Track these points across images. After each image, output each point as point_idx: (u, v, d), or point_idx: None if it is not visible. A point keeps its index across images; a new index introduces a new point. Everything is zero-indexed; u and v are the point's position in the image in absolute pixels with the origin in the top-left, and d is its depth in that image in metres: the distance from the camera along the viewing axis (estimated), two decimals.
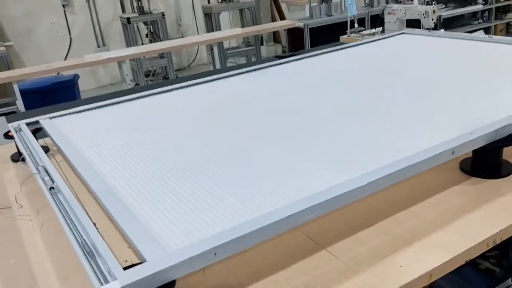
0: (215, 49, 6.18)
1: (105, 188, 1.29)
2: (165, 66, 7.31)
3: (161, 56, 6.99)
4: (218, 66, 6.14)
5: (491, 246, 1.19)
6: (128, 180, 1.36)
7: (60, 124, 1.91)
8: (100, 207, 1.33)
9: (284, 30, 6.54)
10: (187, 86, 2.31)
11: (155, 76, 7.82)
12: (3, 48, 5.95)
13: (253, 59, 7.24)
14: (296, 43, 6.46)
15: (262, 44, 8.12)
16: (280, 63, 2.62)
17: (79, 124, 1.93)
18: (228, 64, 6.88)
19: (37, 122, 1.96)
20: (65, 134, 1.78)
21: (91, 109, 2.08)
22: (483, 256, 1.41)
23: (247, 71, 2.49)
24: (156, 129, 1.78)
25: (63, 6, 7.34)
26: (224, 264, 1.11)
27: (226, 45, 7.34)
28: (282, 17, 8.67)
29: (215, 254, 0.96)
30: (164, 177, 1.36)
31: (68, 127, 1.88)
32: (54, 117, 1.99)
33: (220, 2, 7.48)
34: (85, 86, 6.74)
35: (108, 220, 1.33)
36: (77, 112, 2.04)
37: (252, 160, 1.43)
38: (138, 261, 0.99)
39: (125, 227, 1.08)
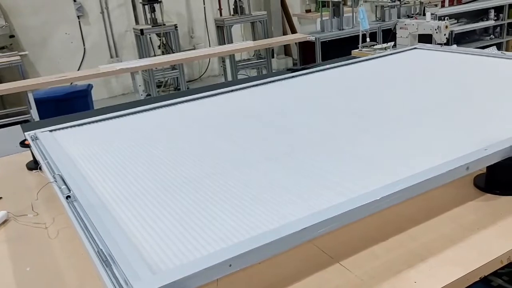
0: (227, 61, 6.24)
1: (98, 205, 1.25)
2: (177, 77, 7.37)
3: (173, 67, 7.06)
4: (229, 78, 6.19)
5: (505, 263, 1.18)
6: (122, 195, 1.32)
7: (62, 137, 1.87)
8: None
9: (296, 43, 6.58)
10: (197, 99, 2.30)
11: (167, 87, 7.88)
12: (18, 58, 6.03)
13: (264, 72, 7.28)
14: (307, 56, 6.49)
15: (273, 57, 8.16)
16: (293, 76, 2.63)
17: (80, 137, 1.88)
18: (239, 76, 6.92)
19: (52, 131, 1.98)
20: (63, 147, 1.74)
21: (99, 120, 2.06)
22: (495, 273, 1.40)
23: (259, 84, 2.50)
24: (157, 143, 1.74)
25: (78, 17, 7.45)
26: (238, 276, 1.12)
27: (237, 57, 7.39)
28: (293, 31, 8.73)
29: (230, 265, 0.96)
30: (160, 193, 1.32)
31: (69, 139, 1.84)
32: (54, 130, 1.95)
33: (232, 15, 7.55)
34: (97, 96, 6.80)
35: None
36: (83, 124, 2.02)
37: (258, 176, 1.40)
38: None
39: (110, 246, 1.03)
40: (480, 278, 1.12)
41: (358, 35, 4.22)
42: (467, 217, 1.32)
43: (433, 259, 1.15)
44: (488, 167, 1.43)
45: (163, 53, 7.37)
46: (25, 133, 1.95)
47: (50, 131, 1.93)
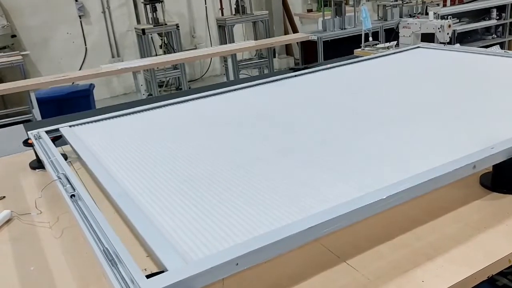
0: (229, 61, 6.22)
1: (125, 197, 1.31)
2: (178, 77, 7.37)
3: (175, 67, 7.05)
4: (231, 77, 6.18)
5: None
6: (146, 188, 1.37)
7: (79, 133, 1.94)
8: (118, 215, 1.34)
9: (297, 43, 6.57)
10: (201, 98, 2.33)
11: (168, 87, 7.88)
12: (20, 57, 6.03)
13: (266, 71, 7.27)
14: (309, 56, 6.48)
15: (274, 57, 8.15)
16: (296, 76, 2.62)
17: (97, 132, 1.95)
18: (241, 76, 6.90)
19: (56, 130, 1.98)
20: (84, 142, 1.81)
21: (108, 118, 2.11)
22: (500, 272, 1.39)
23: (263, 83, 2.50)
24: (171, 139, 1.79)
25: (80, 17, 7.45)
26: (244, 275, 1.11)
27: (239, 57, 7.38)
28: (295, 30, 8.72)
29: (237, 264, 0.95)
30: (182, 186, 1.37)
31: (87, 135, 1.91)
32: (73, 125, 2.02)
33: (234, 15, 7.54)
34: (99, 96, 6.80)
35: (125, 229, 1.34)
36: (95, 121, 2.07)
37: (266, 171, 1.43)
38: (157, 270, 1.00)
39: (145, 236, 1.08)
40: (488, 277, 1.11)
41: (360, 34, 4.21)
42: (474, 216, 1.31)
43: (440, 258, 1.14)
44: (494, 166, 1.42)
45: (164, 53, 7.37)
46: (28, 132, 1.95)
47: (70, 126, 2.00)
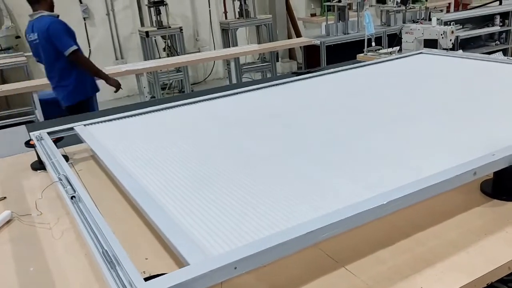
0: (232, 64, 6.24)
1: (143, 194, 1.34)
2: (181, 80, 7.39)
3: (178, 69, 7.07)
4: (234, 81, 6.19)
5: None
6: (163, 186, 1.41)
7: (94, 132, 1.98)
8: (135, 210, 1.35)
9: (300, 47, 6.58)
10: (208, 99, 2.35)
11: (171, 90, 7.90)
12: (24, 58, 6.05)
13: (269, 75, 7.28)
14: (312, 60, 6.49)
15: (277, 61, 8.16)
16: (298, 79, 2.63)
17: (111, 132, 1.99)
18: (244, 79, 6.91)
19: (57, 131, 1.99)
20: (100, 141, 1.85)
21: (119, 118, 2.14)
22: (501, 279, 1.39)
23: (265, 86, 2.51)
24: (182, 139, 1.82)
25: (84, 19, 7.48)
26: (242, 278, 1.11)
27: (242, 60, 7.39)
28: (298, 34, 8.73)
29: (235, 268, 0.95)
30: (197, 184, 1.40)
31: (101, 134, 1.94)
32: (87, 124, 2.06)
33: (238, 18, 7.56)
34: (102, 98, 6.80)
35: (125, 231, 1.35)
36: (107, 121, 2.11)
37: (274, 170, 1.46)
38: (156, 273, 1.00)
39: (167, 233, 1.11)
40: (487, 284, 1.10)
41: (363, 39, 4.22)
42: (474, 222, 1.31)
43: (440, 264, 1.13)
44: (495, 173, 1.42)
45: (168, 56, 7.39)
46: (30, 133, 1.96)
47: (84, 125, 2.05)
